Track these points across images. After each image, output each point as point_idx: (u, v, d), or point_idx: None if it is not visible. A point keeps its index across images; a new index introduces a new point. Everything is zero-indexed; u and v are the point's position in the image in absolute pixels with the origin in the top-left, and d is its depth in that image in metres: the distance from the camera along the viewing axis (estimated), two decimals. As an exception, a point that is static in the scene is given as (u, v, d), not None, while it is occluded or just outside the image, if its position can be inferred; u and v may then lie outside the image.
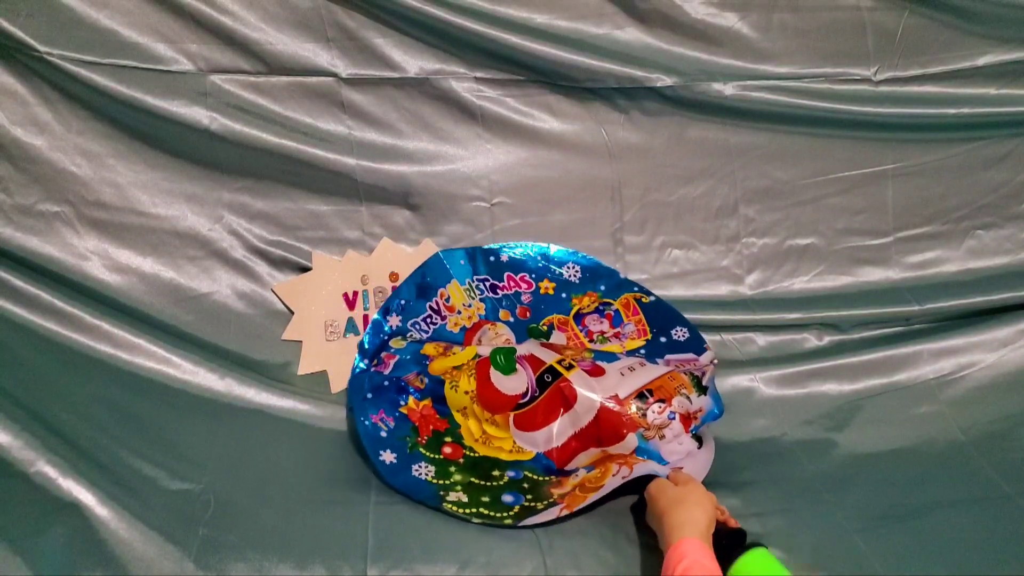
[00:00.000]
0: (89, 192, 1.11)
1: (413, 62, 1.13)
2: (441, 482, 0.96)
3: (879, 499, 0.97)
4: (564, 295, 1.18)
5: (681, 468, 0.95)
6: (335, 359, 1.14)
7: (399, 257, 1.19)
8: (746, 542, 0.83)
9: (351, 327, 1.17)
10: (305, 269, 1.19)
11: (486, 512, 0.92)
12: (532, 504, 0.93)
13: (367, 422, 1.01)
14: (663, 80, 1.13)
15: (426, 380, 1.05)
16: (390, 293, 1.18)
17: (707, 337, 1.19)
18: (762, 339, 1.20)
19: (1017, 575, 0.86)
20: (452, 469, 0.98)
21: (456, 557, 0.86)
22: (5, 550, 0.77)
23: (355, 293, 1.19)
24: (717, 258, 1.24)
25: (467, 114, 1.17)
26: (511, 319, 1.16)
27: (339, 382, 1.13)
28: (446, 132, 1.17)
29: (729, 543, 0.84)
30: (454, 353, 1.07)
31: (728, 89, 1.14)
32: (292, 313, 1.17)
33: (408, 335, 1.13)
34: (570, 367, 1.01)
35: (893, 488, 0.99)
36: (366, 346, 1.12)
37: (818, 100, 1.15)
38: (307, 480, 0.96)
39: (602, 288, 1.18)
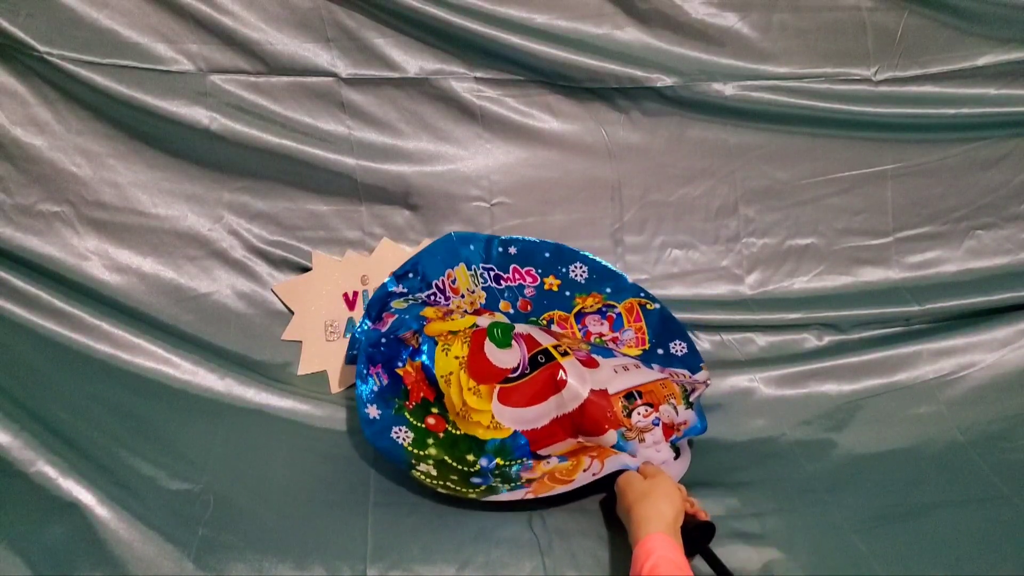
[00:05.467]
0: (89, 192, 1.12)
1: (413, 62, 1.13)
2: (416, 451, 0.96)
3: (877, 499, 0.97)
4: (568, 293, 1.17)
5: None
6: (335, 359, 1.14)
7: (399, 257, 1.19)
8: (714, 536, 0.84)
9: (351, 327, 1.17)
10: (305, 269, 1.19)
11: (453, 487, 0.92)
12: (498, 485, 0.94)
13: (364, 370, 1.01)
14: (663, 80, 1.13)
15: (421, 339, 1.03)
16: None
17: (707, 337, 1.19)
18: (762, 339, 1.20)
19: (1015, 575, 0.87)
20: (430, 441, 0.98)
21: (455, 558, 0.86)
22: (5, 550, 0.78)
23: (355, 293, 1.19)
24: (717, 258, 1.24)
25: (467, 114, 1.17)
26: (511, 311, 1.16)
27: (339, 382, 1.13)
28: (446, 132, 1.17)
29: (698, 536, 0.84)
30: (453, 319, 1.06)
31: (728, 89, 1.14)
32: (292, 313, 1.17)
33: (410, 298, 1.12)
34: (565, 353, 1.00)
35: (892, 488, 0.99)
36: (369, 307, 1.11)
37: (818, 100, 1.15)
38: (307, 480, 0.96)
39: (608, 290, 1.17)
